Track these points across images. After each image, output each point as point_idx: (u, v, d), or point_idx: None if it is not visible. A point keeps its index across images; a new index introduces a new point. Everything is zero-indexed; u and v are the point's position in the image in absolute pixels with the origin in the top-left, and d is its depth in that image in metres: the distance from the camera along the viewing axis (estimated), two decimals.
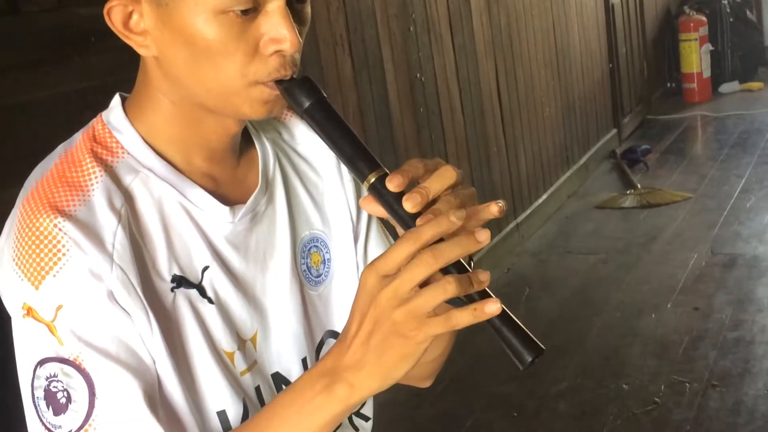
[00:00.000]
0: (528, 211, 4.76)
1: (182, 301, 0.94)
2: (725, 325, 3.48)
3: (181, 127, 0.95)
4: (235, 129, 0.98)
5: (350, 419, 1.10)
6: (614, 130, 6.28)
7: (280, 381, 1.03)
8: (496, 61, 4.48)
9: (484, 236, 0.81)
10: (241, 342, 0.99)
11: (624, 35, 6.57)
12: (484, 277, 0.82)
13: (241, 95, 0.91)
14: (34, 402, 0.89)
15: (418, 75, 3.73)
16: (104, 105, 0.99)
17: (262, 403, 1.00)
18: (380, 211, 0.87)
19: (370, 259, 1.12)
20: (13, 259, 0.88)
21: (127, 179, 0.93)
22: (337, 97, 3.18)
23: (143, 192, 0.93)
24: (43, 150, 0.98)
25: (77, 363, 0.87)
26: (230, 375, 0.96)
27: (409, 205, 0.83)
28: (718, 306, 3.66)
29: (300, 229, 1.07)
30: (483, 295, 0.82)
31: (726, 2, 7.76)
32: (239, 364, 0.98)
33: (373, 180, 0.86)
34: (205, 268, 0.96)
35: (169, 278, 0.93)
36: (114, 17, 0.90)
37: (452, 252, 0.80)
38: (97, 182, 0.91)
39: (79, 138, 0.96)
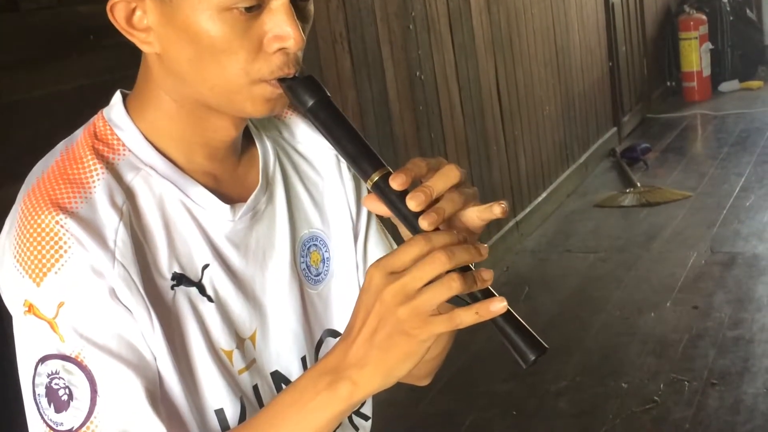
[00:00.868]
0: (527, 210, 4.76)
1: (182, 299, 0.94)
2: (725, 324, 3.48)
3: (182, 124, 0.95)
4: (237, 127, 0.98)
5: (350, 418, 1.09)
6: (614, 129, 6.28)
7: (279, 380, 1.03)
8: (496, 60, 4.48)
9: (485, 251, 0.83)
10: (240, 341, 0.99)
11: (624, 34, 6.57)
12: (487, 276, 0.82)
13: (244, 93, 0.90)
14: (35, 399, 0.88)
15: (417, 73, 3.73)
16: (104, 103, 0.98)
17: (259, 401, 1.00)
18: (383, 209, 0.87)
19: (369, 258, 1.12)
20: (15, 256, 0.88)
21: (129, 176, 0.93)
22: (337, 96, 3.18)
23: (144, 189, 0.93)
24: (42, 148, 0.98)
25: (79, 360, 0.87)
26: (228, 373, 0.96)
27: (413, 203, 0.83)
28: (718, 304, 3.67)
29: (299, 228, 1.06)
30: (486, 294, 0.82)
31: (726, 1, 7.76)
32: (237, 362, 0.98)
33: (376, 179, 0.86)
34: (205, 267, 0.96)
35: (169, 276, 0.93)
36: (117, 14, 0.90)
37: (464, 255, 0.81)
38: (98, 179, 0.91)
39: (80, 135, 0.96)
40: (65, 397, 0.87)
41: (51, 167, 0.92)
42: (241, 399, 0.97)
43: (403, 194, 0.84)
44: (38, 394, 0.88)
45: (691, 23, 7.41)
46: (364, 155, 0.88)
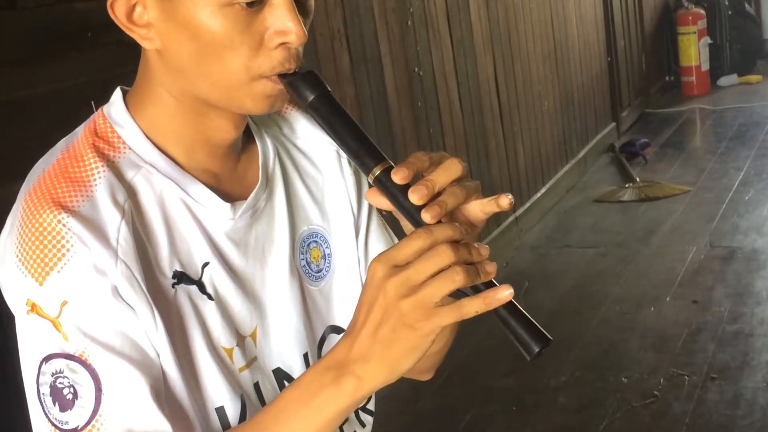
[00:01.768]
0: (527, 205, 4.76)
1: (183, 298, 0.94)
2: (724, 318, 3.48)
3: (182, 122, 0.95)
4: (237, 126, 0.97)
5: (356, 414, 1.10)
6: (613, 124, 6.28)
7: (281, 377, 1.03)
8: (494, 55, 4.48)
9: (485, 252, 0.83)
10: (241, 338, 0.98)
11: (622, 29, 6.57)
12: (491, 269, 0.82)
13: (245, 89, 0.90)
14: (39, 398, 0.88)
15: (416, 69, 3.73)
16: (103, 100, 0.98)
17: (260, 399, 1.00)
18: (385, 203, 0.87)
19: (370, 253, 1.12)
20: (17, 255, 0.88)
21: (130, 174, 0.93)
22: (335, 92, 3.14)
23: (145, 187, 0.93)
24: (41, 146, 0.98)
25: (83, 359, 0.87)
26: (228, 371, 0.96)
27: (416, 197, 0.83)
28: (717, 299, 3.67)
29: (298, 225, 1.06)
30: (490, 287, 0.82)
31: None
32: (238, 360, 0.98)
33: (378, 173, 0.86)
34: (205, 264, 0.96)
35: (170, 274, 0.93)
36: (117, 9, 0.90)
37: (467, 251, 0.81)
38: (99, 177, 0.91)
39: (80, 133, 0.95)
40: (70, 396, 0.87)
41: (52, 165, 0.92)
42: (241, 397, 0.97)
43: (405, 188, 0.84)
44: (43, 394, 0.88)
45: (690, 18, 7.40)
46: (365, 149, 0.88)
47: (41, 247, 0.86)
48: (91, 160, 0.92)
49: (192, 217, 0.95)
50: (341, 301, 1.09)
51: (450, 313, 0.80)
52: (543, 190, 4.99)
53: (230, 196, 0.98)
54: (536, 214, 4.85)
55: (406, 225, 0.90)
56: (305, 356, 1.04)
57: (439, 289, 0.80)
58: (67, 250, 0.86)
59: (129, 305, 0.88)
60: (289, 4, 0.88)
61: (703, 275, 3.92)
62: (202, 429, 0.94)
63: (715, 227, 4.45)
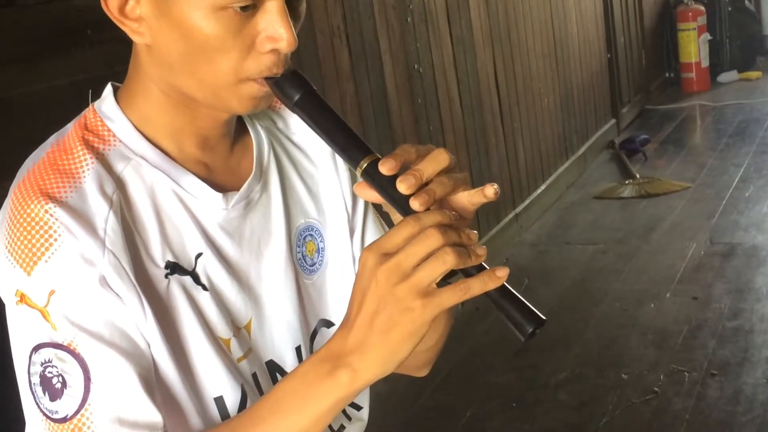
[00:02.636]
0: (526, 202, 4.76)
1: (176, 288, 0.94)
2: (724, 315, 3.48)
3: (172, 114, 0.95)
4: (226, 117, 0.98)
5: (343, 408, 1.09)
6: (613, 120, 6.28)
7: (274, 369, 1.03)
8: (494, 52, 4.48)
9: (474, 236, 0.84)
10: (237, 329, 0.99)
11: (622, 25, 6.56)
12: (481, 251, 0.83)
13: (231, 90, 0.91)
14: (30, 388, 0.89)
15: (416, 66, 3.73)
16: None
17: (260, 389, 1.00)
18: (374, 196, 0.88)
19: None
20: (6, 247, 0.88)
21: (119, 166, 0.93)
22: (335, 89, 3.17)
23: (135, 179, 0.94)
24: (38, 143, 0.98)
25: (71, 348, 0.87)
26: (228, 361, 0.97)
27: (404, 186, 0.84)
28: (717, 295, 3.67)
29: (295, 218, 1.07)
30: (480, 270, 0.83)
31: None
32: (235, 351, 0.98)
33: (365, 165, 0.87)
34: (199, 255, 0.96)
35: (162, 265, 0.93)
36: (110, 2, 0.90)
37: (456, 234, 0.82)
38: (88, 169, 0.91)
39: (71, 127, 0.96)
40: (59, 385, 0.87)
41: (41, 159, 0.93)
42: (242, 386, 0.97)
43: (392, 179, 0.85)
44: (33, 383, 0.88)
45: (690, 14, 7.40)
46: (352, 144, 0.89)
47: (29, 237, 0.87)
48: (80, 153, 0.92)
49: (184, 208, 0.95)
50: (333, 295, 1.09)
51: (449, 294, 0.81)
52: (543, 187, 4.99)
53: (223, 187, 0.98)
54: (536, 211, 4.84)
55: (398, 218, 0.90)
56: (298, 349, 1.05)
57: (432, 270, 0.80)
58: (55, 240, 0.87)
59: (117, 295, 0.88)
60: (282, 11, 0.88)
61: (703, 272, 3.91)
62: (199, 418, 0.94)
63: (715, 224, 4.44)
